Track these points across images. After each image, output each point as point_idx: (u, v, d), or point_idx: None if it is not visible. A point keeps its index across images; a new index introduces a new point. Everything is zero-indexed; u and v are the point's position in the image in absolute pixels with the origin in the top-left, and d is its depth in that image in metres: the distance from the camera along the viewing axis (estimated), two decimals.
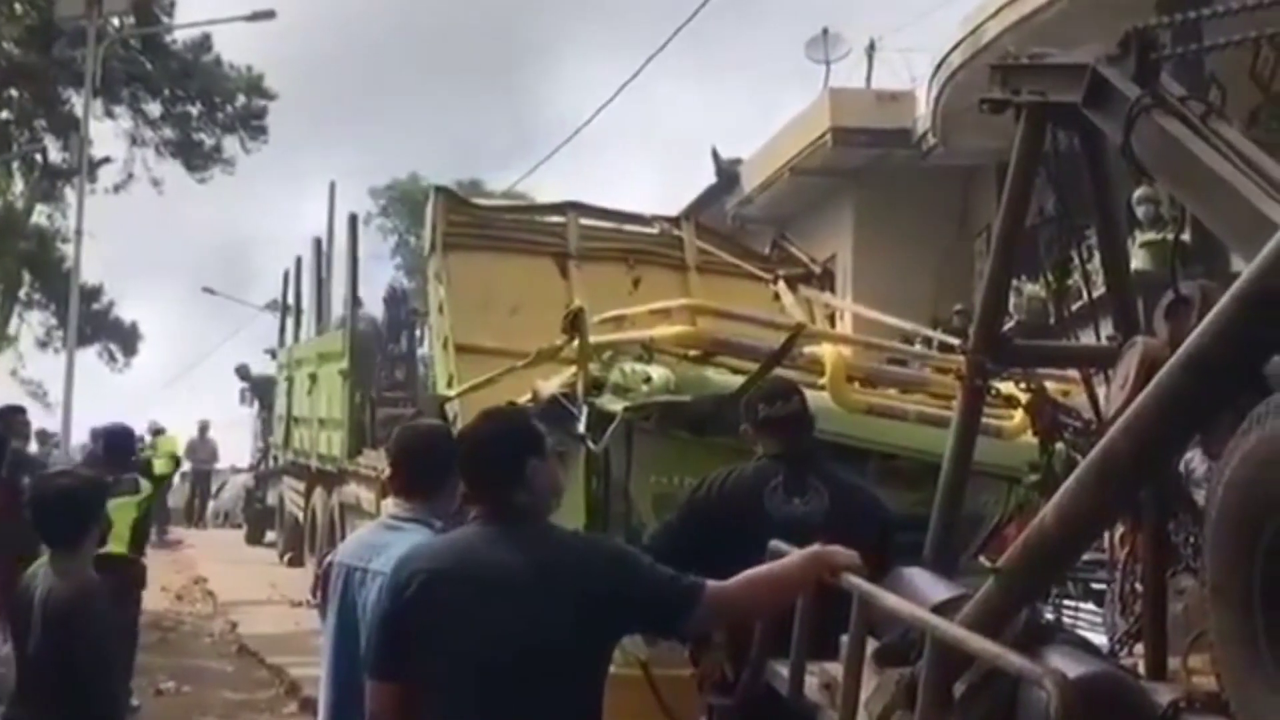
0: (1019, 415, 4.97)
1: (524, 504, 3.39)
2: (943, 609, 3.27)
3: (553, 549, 3.36)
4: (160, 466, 9.73)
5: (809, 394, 5.18)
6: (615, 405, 5.42)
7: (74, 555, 4.61)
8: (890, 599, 3.31)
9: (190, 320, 60.28)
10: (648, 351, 5.62)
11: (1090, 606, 7.73)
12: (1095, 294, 4.31)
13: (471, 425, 3.71)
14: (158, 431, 13.43)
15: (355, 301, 15.60)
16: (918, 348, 7.54)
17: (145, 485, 8.86)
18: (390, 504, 4.30)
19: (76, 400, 21.03)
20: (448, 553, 3.41)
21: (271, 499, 20.96)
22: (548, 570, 3.28)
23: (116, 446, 8.85)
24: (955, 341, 5.58)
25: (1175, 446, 2.93)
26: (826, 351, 5.85)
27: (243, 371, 25.97)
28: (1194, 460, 6.03)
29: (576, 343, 5.62)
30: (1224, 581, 2.77)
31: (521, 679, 3.21)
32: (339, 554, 4.11)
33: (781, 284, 8.60)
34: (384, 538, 3.96)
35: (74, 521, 4.62)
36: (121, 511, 7.85)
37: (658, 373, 5.47)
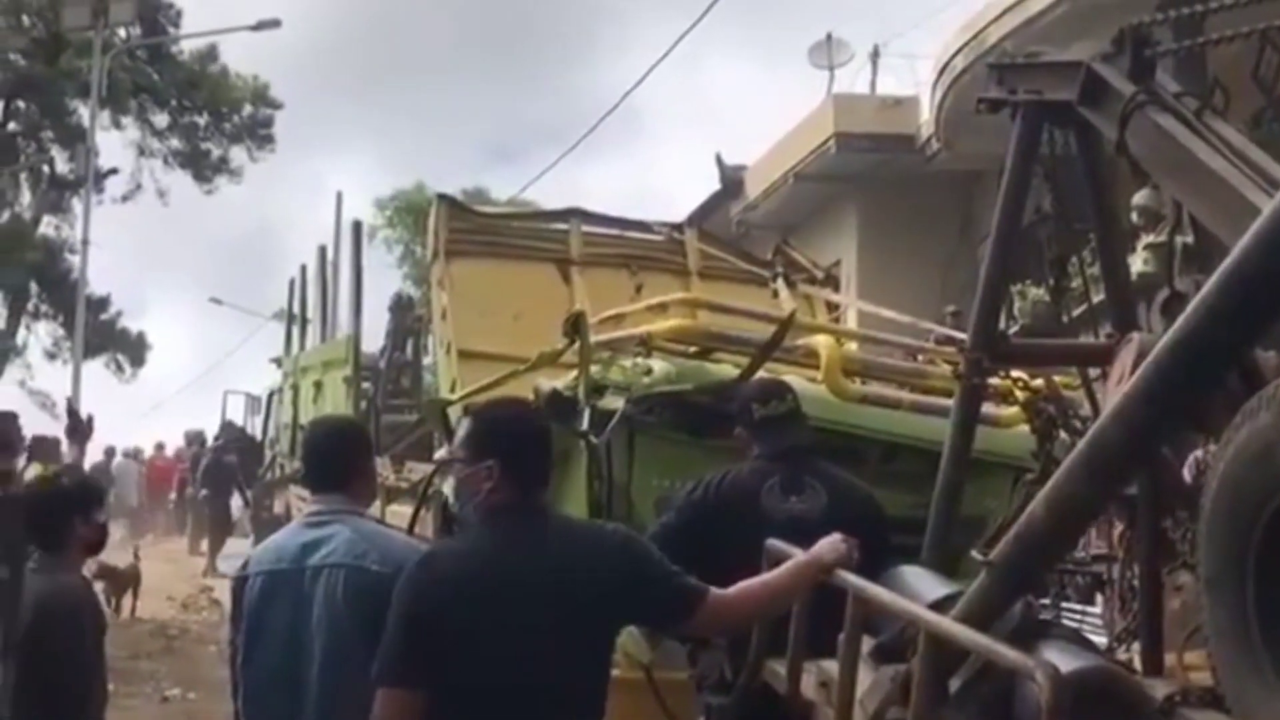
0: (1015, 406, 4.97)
1: (545, 499, 3.41)
2: (938, 606, 3.27)
3: (569, 543, 3.35)
4: None
5: (805, 385, 5.19)
6: (617, 402, 5.43)
7: (57, 556, 4.68)
8: (884, 595, 3.31)
9: (198, 330, 60.33)
10: (646, 347, 5.63)
11: (1095, 610, 7.69)
12: (1096, 299, 4.30)
13: (502, 412, 3.57)
14: None
15: (359, 309, 15.63)
16: (916, 341, 7.55)
17: None
18: (303, 502, 4.21)
19: (83, 411, 20.96)
20: (472, 555, 3.32)
21: (278, 508, 20.94)
22: (568, 566, 3.25)
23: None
24: (959, 335, 5.57)
25: (1164, 434, 2.92)
26: (821, 341, 5.87)
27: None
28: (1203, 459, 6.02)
29: (577, 345, 5.63)
30: (1218, 576, 2.77)
31: (544, 676, 3.17)
32: (255, 564, 3.91)
33: (780, 280, 8.60)
34: (313, 534, 3.82)
35: (55, 525, 4.69)
36: None
37: (658, 365, 5.50)
